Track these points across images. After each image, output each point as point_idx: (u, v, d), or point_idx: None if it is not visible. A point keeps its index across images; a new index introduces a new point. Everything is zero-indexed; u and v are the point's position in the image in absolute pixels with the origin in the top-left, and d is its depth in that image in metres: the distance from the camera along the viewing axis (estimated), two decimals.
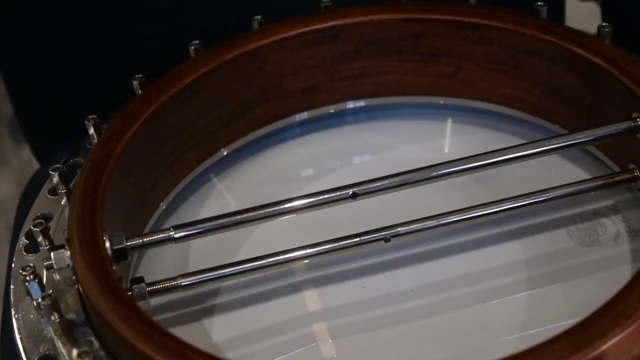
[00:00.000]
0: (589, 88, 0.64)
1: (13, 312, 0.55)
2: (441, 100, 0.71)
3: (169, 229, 0.57)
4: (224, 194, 0.68)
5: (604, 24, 0.66)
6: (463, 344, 0.56)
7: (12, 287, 0.57)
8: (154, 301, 0.57)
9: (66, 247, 0.54)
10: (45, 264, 0.55)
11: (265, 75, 0.68)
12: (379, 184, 0.60)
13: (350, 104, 0.72)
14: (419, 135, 0.71)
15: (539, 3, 0.68)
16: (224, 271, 0.58)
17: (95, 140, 0.63)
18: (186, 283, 0.57)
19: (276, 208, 0.59)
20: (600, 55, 0.63)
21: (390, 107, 0.72)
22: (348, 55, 0.69)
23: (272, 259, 0.58)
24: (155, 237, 0.57)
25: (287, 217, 0.59)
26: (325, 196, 0.59)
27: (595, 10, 1.02)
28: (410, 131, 0.71)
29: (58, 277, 0.55)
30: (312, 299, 0.60)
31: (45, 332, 0.54)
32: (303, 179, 0.69)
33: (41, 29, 0.86)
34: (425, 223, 0.60)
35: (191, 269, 0.58)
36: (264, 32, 0.67)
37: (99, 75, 0.90)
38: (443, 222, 0.60)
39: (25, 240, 0.60)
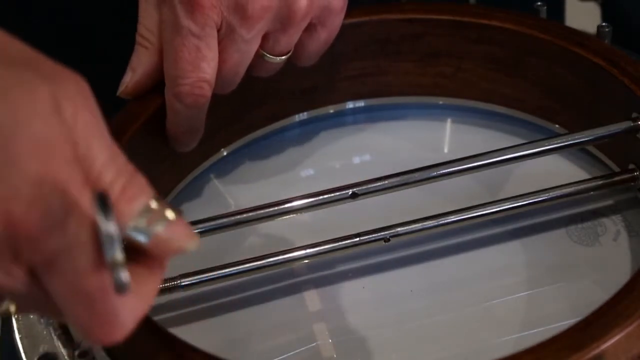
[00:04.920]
0: (589, 88, 0.64)
1: None
2: (441, 100, 0.71)
3: None
4: (224, 194, 0.68)
5: (604, 24, 0.66)
6: (463, 344, 0.56)
7: None
8: (154, 301, 0.57)
9: None
10: None
11: None
12: (379, 184, 0.59)
13: (350, 104, 0.72)
14: (419, 135, 0.71)
15: (539, 3, 0.68)
16: (224, 271, 0.58)
17: None
18: (186, 283, 0.57)
19: (276, 208, 0.59)
20: (600, 55, 0.63)
21: (390, 107, 0.72)
22: (348, 56, 0.69)
23: (272, 259, 0.58)
24: None
25: (287, 217, 0.59)
26: (325, 196, 0.59)
27: (595, 10, 1.02)
28: (410, 131, 0.71)
29: None
30: (312, 299, 0.60)
31: (45, 332, 0.54)
32: (303, 179, 0.69)
33: (40, 28, 0.86)
34: (425, 223, 0.60)
35: (191, 269, 0.58)
36: None
37: (99, 75, 0.90)
38: (443, 222, 0.60)
39: None
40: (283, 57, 0.62)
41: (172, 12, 0.57)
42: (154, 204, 0.40)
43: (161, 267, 0.41)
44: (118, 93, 0.61)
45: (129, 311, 0.39)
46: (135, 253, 0.40)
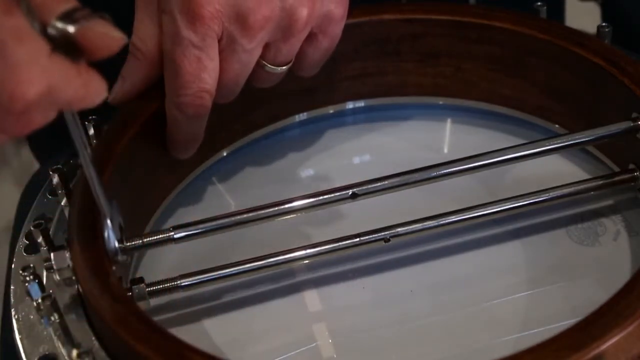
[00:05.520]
0: (589, 88, 0.64)
1: (13, 313, 0.55)
2: (441, 101, 0.71)
3: (168, 230, 0.57)
4: (224, 195, 0.68)
5: (604, 24, 0.66)
6: (463, 344, 0.56)
7: (12, 287, 0.57)
8: (154, 301, 0.57)
9: (66, 248, 0.54)
10: (45, 264, 0.55)
11: None
12: (379, 184, 0.60)
13: (350, 104, 0.72)
14: (419, 135, 0.71)
15: (539, 3, 0.68)
16: (223, 271, 0.58)
17: (95, 141, 0.63)
18: (186, 283, 0.57)
19: (276, 208, 0.59)
20: (600, 55, 0.63)
21: (390, 107, 0.72)
22: (348, 56, 0.69)
23: (272, 259, 0.58)
24: (155, 237, 0.57)
25: (287, 217, 0.59)
26: (325, 196, 0.59)
27: (595, 10, 1.02)
28: (410, 131, 0.71)
29: (58, 277, 0.55)
30: (312, 299, 0.60)
31: (45, 333, 0.54)
32: (303, 179, 0.69)
33: None
34: (425, 223, 0.60)
35: (191, 269, 0.58)
36: None
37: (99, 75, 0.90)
38: (443, 222, 0.60)
39: (25, 240, 0.60)
40: (284, 67, 0.61)
41: (173, 23, 0.57)
42: (81, 7, 0.44)
43: (87, 68, 0.44)
44: (109, 100, 0.61)
45: (39, 68, 0.42)
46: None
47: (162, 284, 0.57)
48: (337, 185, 0.59)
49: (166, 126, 0.61)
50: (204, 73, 0.58)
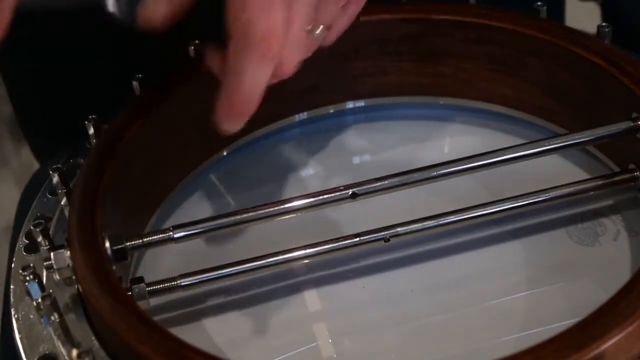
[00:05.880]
0: (589, 88, 0.64)
1: (13, 312, 0.55)
2: (441, 100, 0.71)
3: (168, 229, 0.57)
4: (224, 194, 0.68)
5: (604, 24, 0.66)
6: (463, 344, 0.56)
7: (12, 287, 0.57)
8: (154, 301, 0.57)
9: (66, 247, 0.54)
10: (45, 264, 0.55)
11: None
12: (379, 184, 0.60)
13: (350, 104, 0.72)
14: (419, 135, 0.71)
15: (539, 3, 0.68)
16: (223, 271, 0.58)
17: (95, 141, 0.63)
18: (186, 283, 0.57)
19: (276, 208, 0.59)
20: (600, 55, 0.63)
21: (390, 107, 0.72)
22: (348, 56, 0.69)
23: (272, 259, 0.58)
24: (155, 237, 0.57)
25: (287, 217, 0.59)
26: (325, 196, 0.59)
27: (595, 10, 1.02)
28: (410, 131, 0.71)
29: (58, 277, 0.55)
30: (312, 299, 0.60)
31: (45, 332, 0.54)
32: (303, 179, 0.69)
33: (41, 28, 0.86)
34: (425, 223, 0.60)
35: (191, 269, 0.58)
36: None
37: (99, 75, 0.90)
38: (443, 222, 0.60)
39: (25, 240, 0.60)
40: (322, 33, 0.56)
41: None
42: None
43: None
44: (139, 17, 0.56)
45: None
46: None
47: (162, 284, 0.57)
48: (337, 185, 0.59)
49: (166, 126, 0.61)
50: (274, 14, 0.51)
